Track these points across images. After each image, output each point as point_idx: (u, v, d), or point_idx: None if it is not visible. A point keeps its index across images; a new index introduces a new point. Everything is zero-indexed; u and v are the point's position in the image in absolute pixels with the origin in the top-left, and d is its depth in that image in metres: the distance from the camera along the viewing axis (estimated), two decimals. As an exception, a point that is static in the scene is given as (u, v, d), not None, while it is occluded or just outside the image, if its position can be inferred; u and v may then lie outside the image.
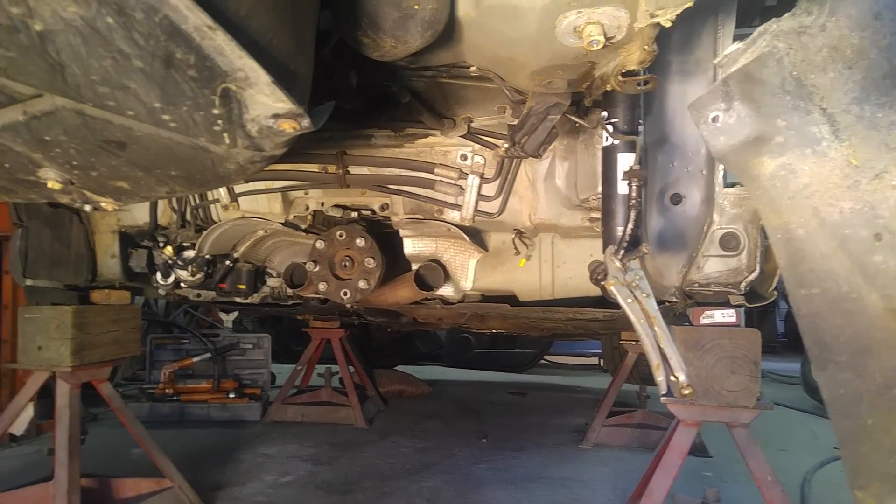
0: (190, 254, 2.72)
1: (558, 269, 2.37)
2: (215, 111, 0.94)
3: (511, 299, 2.55)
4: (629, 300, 1.47)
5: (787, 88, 0.95)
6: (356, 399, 4.55)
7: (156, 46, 0.79)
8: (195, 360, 4.77)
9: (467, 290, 2.59)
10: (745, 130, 0.98)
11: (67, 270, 2.73)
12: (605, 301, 2.40)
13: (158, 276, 2.81)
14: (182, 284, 2.85)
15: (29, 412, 3.70)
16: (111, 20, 0.74)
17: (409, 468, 3.49)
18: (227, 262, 2.79)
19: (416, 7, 1.22)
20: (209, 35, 0.79)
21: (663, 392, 1.43)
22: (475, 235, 2.44)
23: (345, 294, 2.45)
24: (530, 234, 2.35)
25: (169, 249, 2.69)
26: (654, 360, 1.42)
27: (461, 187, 2.21)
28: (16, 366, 2.69)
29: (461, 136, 2.13)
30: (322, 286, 2.46)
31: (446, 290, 2.61)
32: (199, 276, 2.74)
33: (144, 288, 3.04)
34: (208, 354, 4.77)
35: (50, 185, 1.28)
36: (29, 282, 2.61)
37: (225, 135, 1.02)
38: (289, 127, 1.01)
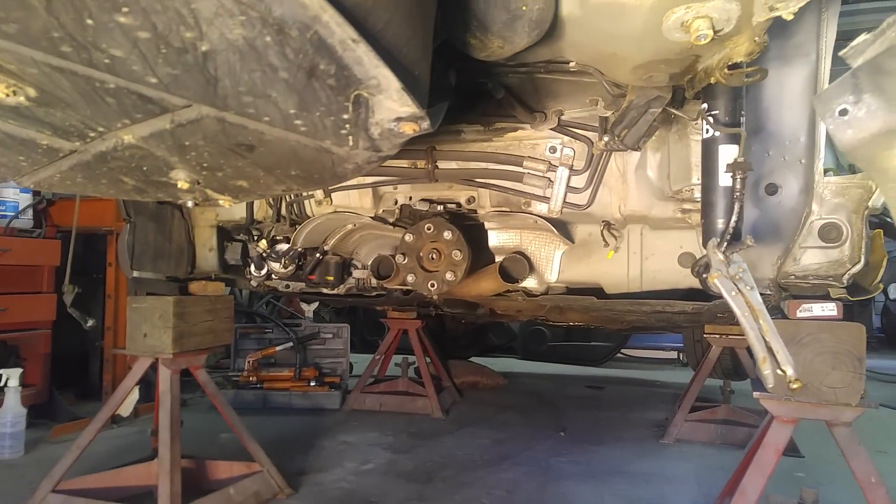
0: (282, 247, 2.84)
1: (647, 260, 2.34)
2: (345, 116, 1.01)
3: (596, 292, 2.54)
4: (733, 293, 1.45)
5: (921, 80, 0.93)
6: (433, 389, 4.59)
7: (303, 59, 0.85)
8: (278, 348, 4.92)
9: (552, 283, 2.59)
10: (875, 123, 0.97)
11: (169, 263, 2.90)
12: (695, 294, 2.38)
13: (252, 268, 2.95)
14: (273, 276, 2.98)
15: (135, 395, 3.91)
16: (269, 38, 0.80)
17: (487, 459, 3.52)
18: (318, 255, 2.90)
19: (523, 8, 1.24)
20: (351, 47, 0.84)
21: (770, 385, 1.41)
22: (562, 227, 2.45)
23: (432, 285, 2.51)
24: (619, 225, 2.34)
25: (263, 243, 2.82)
26: (760, 353, 1.40)
27: (550, 180, 2.23)
28: (123, 351, 2.86)
29: (551, 129, 2.15)
30: (410, 277, 2.53)
31: (530, 283, 2.62)
32: (290, 268, 2.86)
33: (237, 279, 3.19)
34: (290, 343, 4.91)
35: (180, 185, 1.39)
36: (135, 273, 2.75)
37: (350, 137, 1.08)
38: (409, 129, 1.06)
